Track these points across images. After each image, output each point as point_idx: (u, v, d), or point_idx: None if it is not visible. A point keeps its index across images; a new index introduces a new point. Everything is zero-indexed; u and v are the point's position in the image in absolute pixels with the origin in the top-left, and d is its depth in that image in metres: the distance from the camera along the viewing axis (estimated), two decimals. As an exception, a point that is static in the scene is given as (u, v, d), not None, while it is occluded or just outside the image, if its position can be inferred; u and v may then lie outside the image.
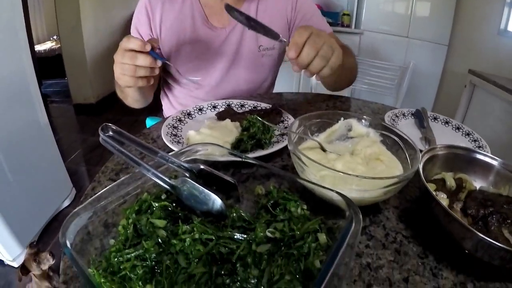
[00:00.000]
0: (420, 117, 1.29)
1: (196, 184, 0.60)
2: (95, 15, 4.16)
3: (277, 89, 1.69)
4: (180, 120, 1.13)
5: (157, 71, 1.01)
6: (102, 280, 0.51)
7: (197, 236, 0.53)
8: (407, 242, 0.75)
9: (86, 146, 3.63)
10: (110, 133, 0.64)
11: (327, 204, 0.60)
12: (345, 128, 0.96)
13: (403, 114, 1.34)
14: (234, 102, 1.27)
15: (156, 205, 0.60)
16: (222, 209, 0.60)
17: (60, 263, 0.68)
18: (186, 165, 0.65)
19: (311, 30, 0.95)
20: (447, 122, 1.31)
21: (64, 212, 2.61)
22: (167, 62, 1.09)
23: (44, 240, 2.37)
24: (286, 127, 1.08)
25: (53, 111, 4.45)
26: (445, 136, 1.22)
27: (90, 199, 0.59)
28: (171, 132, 1.04)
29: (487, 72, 2.80)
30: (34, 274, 1.74)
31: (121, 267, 0.52)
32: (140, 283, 0.50)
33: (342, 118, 0.95)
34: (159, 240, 0.55)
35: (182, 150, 0.70)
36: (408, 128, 1.25)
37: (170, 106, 1.59)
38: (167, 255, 0.53)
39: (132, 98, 1.29)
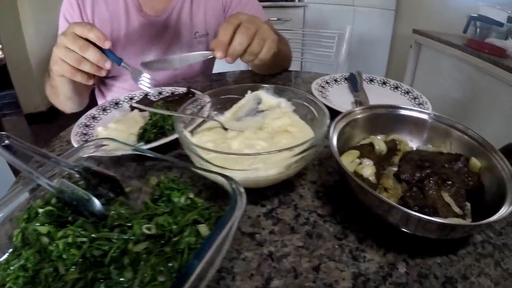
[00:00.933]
0: (353, 81, 1.27)
1: (72, 185, 0.57)
2: (35, 19, 4.01)
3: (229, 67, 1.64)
4: (94, 118, 1.08)
5: (103, 73, 0.96)
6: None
7: (70, 240, 0.51)
8: (323, 222, 0.69)
9: (41, 156, 3.50)
10: (6, 142, 0.61)
11: (220, 189, 0.56)
12: (254, 102, 0.91)
13: (335, 80, 1.32)
14: (152, 91, 1.22)
15: (41, 211, 0.57)
16: (99, 208, 0.57)
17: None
18: (72, 165, 0.62)
19: (239, 21, 0.92)
20: (384, 83, 1.30)
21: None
22: (126, 66, 1.04)
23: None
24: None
25: (6, 124, 4.29)
26: (383, 97, 1.21)
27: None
28: (82, 132, 0.99)
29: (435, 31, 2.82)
30: None
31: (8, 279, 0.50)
32: (18, 295, 0.47)
33: (249, 91, 0.90)
34: (42, 247, 0.52)
35: (76, 150, 0.66)
36: (339, 94, 1.23)
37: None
38: (48, 263, 0.50)
39: (64, 95, 1.19)
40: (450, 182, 0.68)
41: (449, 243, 0.64)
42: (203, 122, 0.86)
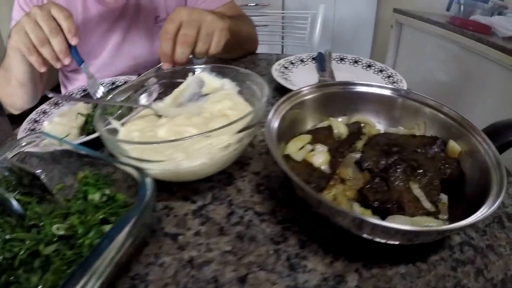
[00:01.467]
0: (321, 61, 1.20)
1: None
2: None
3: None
4: (44, 112, 1.02)
5: (58, 65, 0.91)
6: None
7: None
8: (259, 221, 0.58)
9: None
10: None
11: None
12: (196, 85, 0.81)
13: (301, 60, 1.25)
14: (106, 81, 1.15)
15: None
16: (17, 208, 0.54)
17: None
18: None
19: (178, 24, 0.87)
20: (356, 62, 1.22)
21: None
22: (84, 70, 1.00)
23: None
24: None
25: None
26: (354, 76, 1.13)
27: None
28: (30, 128, 0.94)
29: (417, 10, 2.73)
30: None
31: None
32: None
33: (190, 74, 0.81)
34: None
35: (9, 146, 0.62)
36: (303, 75, 1.15)
37: None
38: None
39: (16, 79, 1.07)
40: (421, 171, 0.57)
41: (417, 247, 0.52)
42: (136, 111, 0.78)
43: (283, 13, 2.58)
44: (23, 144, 0.61)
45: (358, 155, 0.64)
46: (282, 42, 2.77)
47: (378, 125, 0.72)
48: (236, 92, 0.78)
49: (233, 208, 0.62)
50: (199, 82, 0.81)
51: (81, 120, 0.89)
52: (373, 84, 0.72)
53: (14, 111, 1.23)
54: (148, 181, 0.48)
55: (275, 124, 0.61)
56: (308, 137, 0.66)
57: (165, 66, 0.87)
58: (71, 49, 0.90)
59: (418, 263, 0.51)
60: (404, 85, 1.01)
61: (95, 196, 0.54)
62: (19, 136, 0.87)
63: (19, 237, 0.49)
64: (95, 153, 0.58)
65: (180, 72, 0.82)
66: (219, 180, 0.68)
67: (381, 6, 3.55)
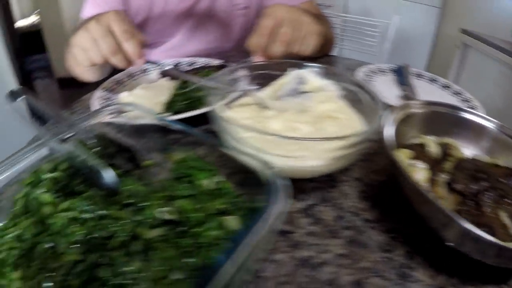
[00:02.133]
0: (401, 74, 1.17)
1: (82, 151, 0.49)
2: (73, -15, 3.98)
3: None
4: (119, 83, 1.01)
5: (128, 66, 0.88)
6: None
7: (74, 214, 0.43)
8: (369, 228, 0.59)
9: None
10: (22, 96, 0.55)
11: (252, 176, 0.46)
12: (296, 81, 0.81)
13: (381, 71, 1.22)
14: (182, 61, 1.15)
15: (46, 176, 0.50)
16: (112, 181, 0.48)
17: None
18: (86, 130, 0.55)
19: (277, 19, 0.86)
20: (433, 80, 1.20)
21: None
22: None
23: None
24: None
25: (38, 86, 4.32)
26: (430, 95, 1.10)
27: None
28: (105, 96, 0.92)
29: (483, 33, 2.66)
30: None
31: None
32: (8, 268, 0.40)
33: (290, 69, 0.81)
34: (41, 218, 0.45)
35: (94, 113, 0.59)
36: (385, 86, 1.13)
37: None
38: (47, 237, 0.43)
39: (83, 66, 1.04)
40: (508, 200, 0.57)
41: (504, 271, 0.53)
42: (236, 97, 0.77)
43: (347, 16, 2.59)
44: (111, 113, 0.59)
45: (445, 176, 0.63)
46: (341, 45, 2.77)
47: (464, 150, 0.71)
48: (338, 96, 0.78)
49: (341, 211, 0.62)
50: (299, 79, 0.81)
51: (166, 97, 0.88)
52: (477, 113, 0.74)
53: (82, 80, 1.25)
54: (285, 181, 0.42)
55: (388, 133, 0.62)
56: (409, 152, 0.65)
57: (257, 59, 0.88)
58: None
59: (504, 286, 0.52)
60: (481, 111, 0.99)
61: (207, 182, 0.49)
62: (93, 104, 0.86)
63: (113, 215, 0.44)
64: (203, 134, 0.53)
65: (279, 64, 0.82)
66: (322, 181, 0.68)
67: (442, 23, 3.49)
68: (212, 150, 0.53)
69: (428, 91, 1.13)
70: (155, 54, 1.35)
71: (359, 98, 0.73)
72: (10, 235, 0.44)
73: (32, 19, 5.46)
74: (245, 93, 0.77)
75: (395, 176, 0.60)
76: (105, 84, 0.98)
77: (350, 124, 0.71)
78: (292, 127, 0.65)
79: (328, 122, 0.71)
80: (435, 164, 0.65)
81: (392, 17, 2.23)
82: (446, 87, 1.16)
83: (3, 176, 0.51)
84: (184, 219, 0.44)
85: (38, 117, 0.54)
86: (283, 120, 0.68)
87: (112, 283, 0.38)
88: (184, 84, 0.91)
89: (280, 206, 0.39)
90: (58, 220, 0.43)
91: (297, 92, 0.80)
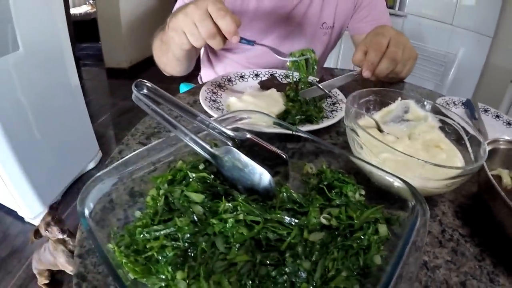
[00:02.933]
0: (471, 108, 1.18)
1: (242, 155, 0.51)
2: (132, -22, 4.10)
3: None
4: (220, 86, 1.03)
5: (222, 46, 0.90)
6: (124, 260, 0.42)
7: (241, 217, 0.45)
8: (464, 241, 0.67)
9: (116, 110, 3.60)
10: (145, 90, 0.57)
11: (384, 191, 0.52)
12: (401, 109, 0.85)
13: (454, 103, 1.22)
14: (278, 72, 1.16)
15: (193, 176, 0.52)
16: (271, 186, 0.50)
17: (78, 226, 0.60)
18: (229, 132, 0.56)
19: (388, 40, 0.90)
20: (498, 116, 1.21)
21: (88, 174, 2.59)
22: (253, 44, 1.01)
23: (66, 200, 2.36)
24: (335, 103, 0.98)
25: (85, 74, 4.44)
26: (495, 130, 1.12)
27: (115, 164, 0.51)
28: (210, 98, 0.94)
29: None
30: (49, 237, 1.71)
31: (147, 246, 0.44)
32: (169, 268, 0.42)
33: (399, 98, 0.85)
34: (195, 217, 0.47)
35: (224, 117, 0.62)
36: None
37: (211, 72, 1.49)
38: (203, 237, 0.45)
39: (173, 55, 1.08)
40: None
41: None
42: (356, 118, 0.79)
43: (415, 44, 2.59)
44: (240, 120, 0.62)
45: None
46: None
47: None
48: (438, 127, 0.81)
49: (443, 226, 0.70)
50: (404, 107, 0.85)
51: (278, 108, 0.90)
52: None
53: (165, 73, 1.28)
54: (423, 199, 0.47)
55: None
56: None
57: (366, 74, 0.89)
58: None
59: None
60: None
61: (356, 195, 0.53)
62: (201, 100, 0.90)
63: (276, 218, 0.47)
64: (335, 148, 0.58)
65: (390, 93, 0.85)
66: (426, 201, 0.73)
67: (492, 53, 3.44)
68: (346, 164, 0.58)
69: (493, 126, 1.14)
70: (240, 59, 1.36)
71: (456, 132, 0.79)
72: (161, 233, 0.45)
73: (84, 8, 5.62)
74: (366, 116, 0.81)
75: (485, 199, 0.69)
76: (207, 85, 1.00)
77: (452, 154, 0.75)
78: (411, 152, 0.66)
79: (435, 150, 0.75)
80: (507, 194, 0.69)
81: (459, 48, 2.22)
82: (508, 124, 1.17)
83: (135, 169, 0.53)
84: (339, 225, 0.48)
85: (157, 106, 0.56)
86: (404, 146, 0.72)
87: (283, 282, 0.42)
88: (295, 96, 0.94)
89: (425, 220, 0.45)
90: (224, 222, 0.45)
91: (401, 119, 0.85)
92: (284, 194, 0.51)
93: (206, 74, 1.54)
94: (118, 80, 4.21)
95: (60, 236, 1.68)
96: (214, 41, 0.86)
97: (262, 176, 0.50)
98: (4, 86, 1.83)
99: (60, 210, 1.76)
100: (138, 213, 0.51)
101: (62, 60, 2.25)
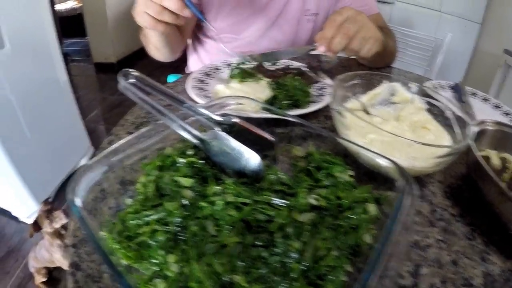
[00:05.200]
0: (459, 91, 1.19)
1: (230, 138, 0.52)
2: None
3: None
4: (207, 74, 1.04)
5: (182, 22, 0.92)
6: (116, 246, 0.43)
7: (230, 199, 0.45)
8: (455, 220, 0.68)
9: (106, 105, 3.59)
10: (132, 80, 0.57)
11: (372, 172, 0.53)
12: (388, 92, 0.86)
13: (441, 86, 1.24)
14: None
15: (182, 161, 0.52)
16: (260, 169, 0.51)
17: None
18: (217, 117, 0.57)
19: (344, 18, 0.92)
20: (485, 99, 1.22)
21: (81, 169, 2.57)
22: (203, 20, 1.04)
23: (60, 197, 2.35)
24: (321, 89, 0.99)
25: (73, 69, 4.39)
26: (483, 113, 1.13)
27: (105, 152, 0.51)
28: (197, 86, 0.94)
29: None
30: (46, 232, 1.70)
31: (139, 232, 0.45)
32: (161, 252, 0.42)
33: (386, 81, 0.86)
34: (184, 201, 0.47)
35: (212, 103, 0.62)
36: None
37: (199, 62, 1.50)
38: (193, 220, 0.45)
39: (153, 45, 1.19)
40: None
41: None
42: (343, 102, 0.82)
43: (399, 29, 2.61)
44: (227, 106, 0.62)
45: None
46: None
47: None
48: (425, 109, 0.83)
49: (433, 206, 0.71)
50: (391, 90, 0.86)
51: (265, 93, 0.91)
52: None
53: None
54: (411, 178, 0.48)
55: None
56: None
57: (321, 49, 0.92)
58: (187, 5, 0.89)
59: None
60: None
61: (344, 176, 0.53)
62: (188, 88, 0.92)
63: (265, 200, 0.47)
64: (327, 131, 0.58)
65: (377, 76, 0.87)
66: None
67: (481, 40, 3.46)
68: (334, 146, 0.58)
69: (482, 110, 1.16)
70: (228, 49, 1.36)
71: (443, 114, 0.81)
72: (150, 218, 0.46)
73: (70, 4, 5.56)
74: (352, 99, 0.84)
75: (474, 179, 0.71)
76: (195, 74, 1.01)
77: (440, 135, 0.77)
78: (398, 133, 0.67)
79: (422, 131, 0.78)
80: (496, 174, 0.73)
81: (446, 34, 2.24)
82: (496, 106, 1.18)
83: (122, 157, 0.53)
84: (330, 206, 0.49)
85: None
86: (391, 127, 0.74)
87: (274, 262, 0.42)
88: (282, 82, 0.95)
89: (413, 198, 0.46)
90: (213, 205, 0.45)
91: (388, 102, 0.86)
92: (272, 176, 0.52)
93: (193, 65, 1.55)
94: (106, 75, 4.18)
95: (64, 221, 1.69)
96: (165, 16, 0.89)
97: (250, 159, 0.51)
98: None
99: (53, 206, 1.75)
100: (129, 201, 0.51)
101: (50, 56, 2.23)
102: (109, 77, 4.13)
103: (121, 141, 0.53)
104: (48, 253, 1.72)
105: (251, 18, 1.30)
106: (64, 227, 1.73)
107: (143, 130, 0.56)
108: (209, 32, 1.37)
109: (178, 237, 0.44)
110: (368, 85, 0.87)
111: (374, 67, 1.33)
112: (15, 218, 2.21)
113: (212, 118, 0.57)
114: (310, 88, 0.97)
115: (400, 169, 0.49)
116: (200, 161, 0.53)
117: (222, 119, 0.57)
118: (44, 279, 1.82)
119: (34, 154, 2.13)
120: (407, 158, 0.64)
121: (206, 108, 0.59)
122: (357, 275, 0.42)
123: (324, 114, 0.92)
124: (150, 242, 0.43)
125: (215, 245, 0.42)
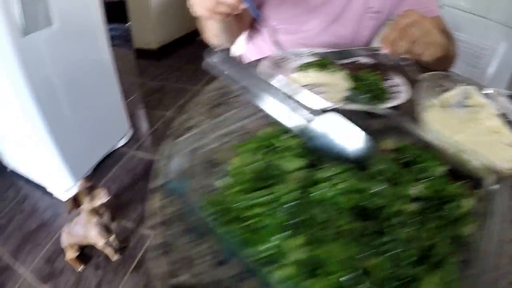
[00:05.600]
0: None
1: (345, 119, 0.52)
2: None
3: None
4: (276, 63, 1.04)
5: (239, 11, 0.95)
6: (232, 227, 0.44)
7: (343, 185, 0.46)
8: None
9: (145, 90, 3.62)
10: (217, 59, 0.58)
11: (464, 170, 0.54)
12: (462, 95, 0.88)
13: (500, 94, 1.20)
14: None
15: (291, 142, 0.52)
16: (368, 151, 0.52)
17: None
18: (314, 103, 0.55)
19: (410, 20, 0.92)
20: None
21: (119, 150, 2.61)
22: (258, 15, 1.07)
23: (96, 176, 2.37)
24: (393, 86, 1.00)
25: (114, 54, 4.41)
26: None
27: (193, 132, 0.51)
28: (270, 73, 0.94)
29: None
30: (84, 209, 1.71)
31: (247, 214, 0.45)
32: (277, 235, 0.42)
33: (461, 84, 0.88)
34: (296, 185, 0.47)
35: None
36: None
37: (253, 52, 1.49)
38: (303, 205, 0.45)
39: (211, 32, 1.20)
40: None
41: None
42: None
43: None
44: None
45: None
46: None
47: None
48: (496, 115, 0.83)
49: None
50: (466, 93, 0.88)
51: (344, 86, 0.92)
52: None
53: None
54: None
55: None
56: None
57: (384, 50, 0.93)
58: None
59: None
60: None
61: (436, 169, 0.54)
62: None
63: (372, 187, 0.48)
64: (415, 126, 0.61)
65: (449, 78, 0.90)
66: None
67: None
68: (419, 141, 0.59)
69: None
70: (289, 41, 1.36)
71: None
72: (261, 200, 0.46)
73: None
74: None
75: None
76: (266, 60, 1.03)
77: None
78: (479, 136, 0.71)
79: (497, 136, 0.77)
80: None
81: (499, 43, 2.21)
82: None
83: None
84: (434, 197, 0.50)
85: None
86: (471, 129, 0.76)
87: (385, 251, 0.43)
88: (362, 75, 0.96)
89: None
90: (328, 190, 0.46)
91: (461, 105, 0.87)
92: (384, 164, 0.52)
93: (248, 54, 1.54)
94: (147, 61, 4.21)
95: (104, 199, 1.70)
96: (221, 7, 0.92)
97: (357, 142, 0.52)
98: (37, 61, 1.86)
99: (94, 183, 1.76)
100: (220, 182, 0.51)
101: (95, 37, 2.28)
102: (149, 63, 4.16)
103: (207, 124, 0.54)
104: (84, 229, 1.74)
105: (314, 11, 1.29)
106: (104, 204, 1.74)
107: (230, 112, 0.56)
108: (269, 23, 1.35)
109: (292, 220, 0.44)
110: (441, 86, 0.89)
111: (433, 69, 1.31)
112: (49, 194, 2.24)
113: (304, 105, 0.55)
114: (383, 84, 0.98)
115: (494, 168, 0.51)
116: (301, 145, 0.52)
117: (321, 107, 0.56)
118: (76, 254, 1.83)
119: (74, 132, 2.17)
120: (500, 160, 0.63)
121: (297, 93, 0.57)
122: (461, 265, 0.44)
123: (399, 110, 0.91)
124: (263, 224, 0.44)
125: (332, 231, 0.43)
